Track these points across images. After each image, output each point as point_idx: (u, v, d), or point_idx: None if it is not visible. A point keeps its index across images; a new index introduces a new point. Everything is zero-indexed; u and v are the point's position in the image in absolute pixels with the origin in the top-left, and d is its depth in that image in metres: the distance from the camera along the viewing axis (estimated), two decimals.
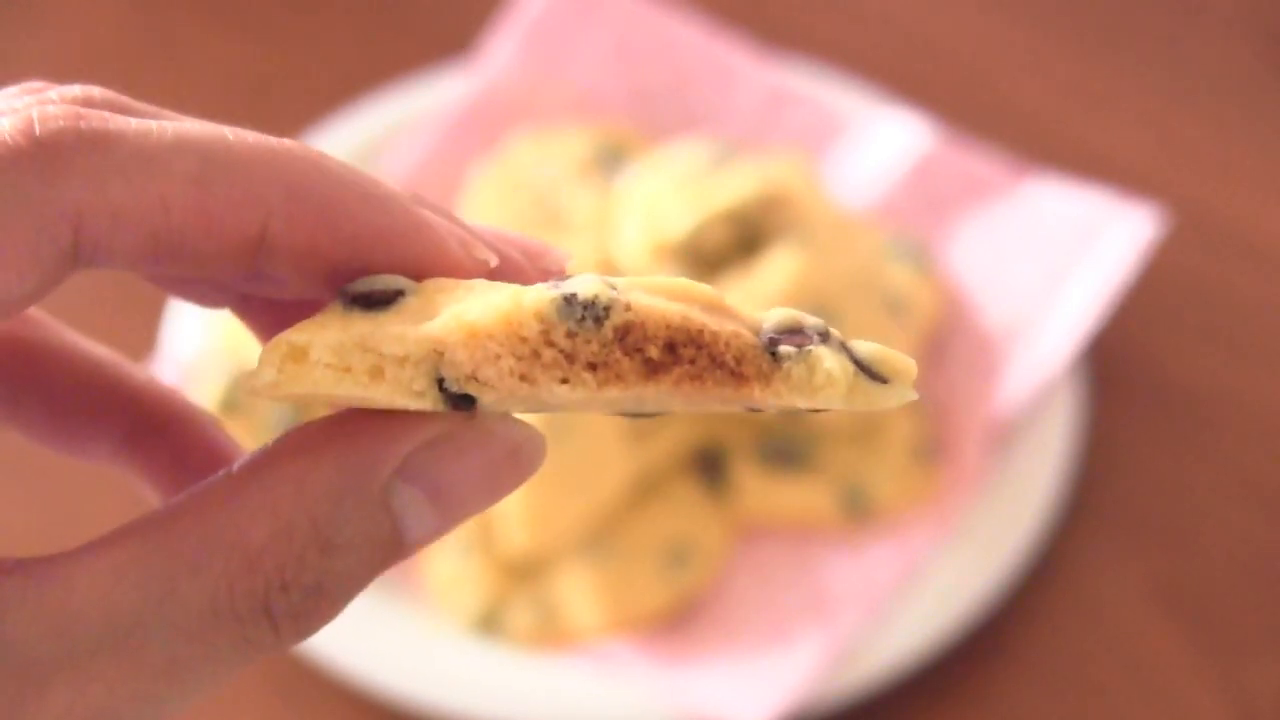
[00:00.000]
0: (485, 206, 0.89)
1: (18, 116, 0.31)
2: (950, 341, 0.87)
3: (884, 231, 0.88)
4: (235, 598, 0.31)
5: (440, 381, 0.32)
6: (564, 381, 0.32)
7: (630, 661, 0.77)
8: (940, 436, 0.83)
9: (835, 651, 0.75)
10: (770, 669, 0.76)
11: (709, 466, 0.83)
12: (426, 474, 0.33)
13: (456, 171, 0.92)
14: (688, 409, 0.34)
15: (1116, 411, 0.87)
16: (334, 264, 0.33)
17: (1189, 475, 0.85)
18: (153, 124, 0.32)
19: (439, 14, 1.07)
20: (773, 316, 0.33)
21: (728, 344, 0.33)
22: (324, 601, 0.32)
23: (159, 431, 0.39)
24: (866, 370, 0.33)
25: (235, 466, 0.33)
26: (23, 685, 0.30)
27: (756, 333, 0.33)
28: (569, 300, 0.32)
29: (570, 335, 0.32)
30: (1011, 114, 1.00)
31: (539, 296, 0.32)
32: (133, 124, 0.32)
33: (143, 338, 0.86)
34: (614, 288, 0.33)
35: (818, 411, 0.33)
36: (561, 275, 0.34)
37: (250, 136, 0.33)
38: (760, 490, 0.82)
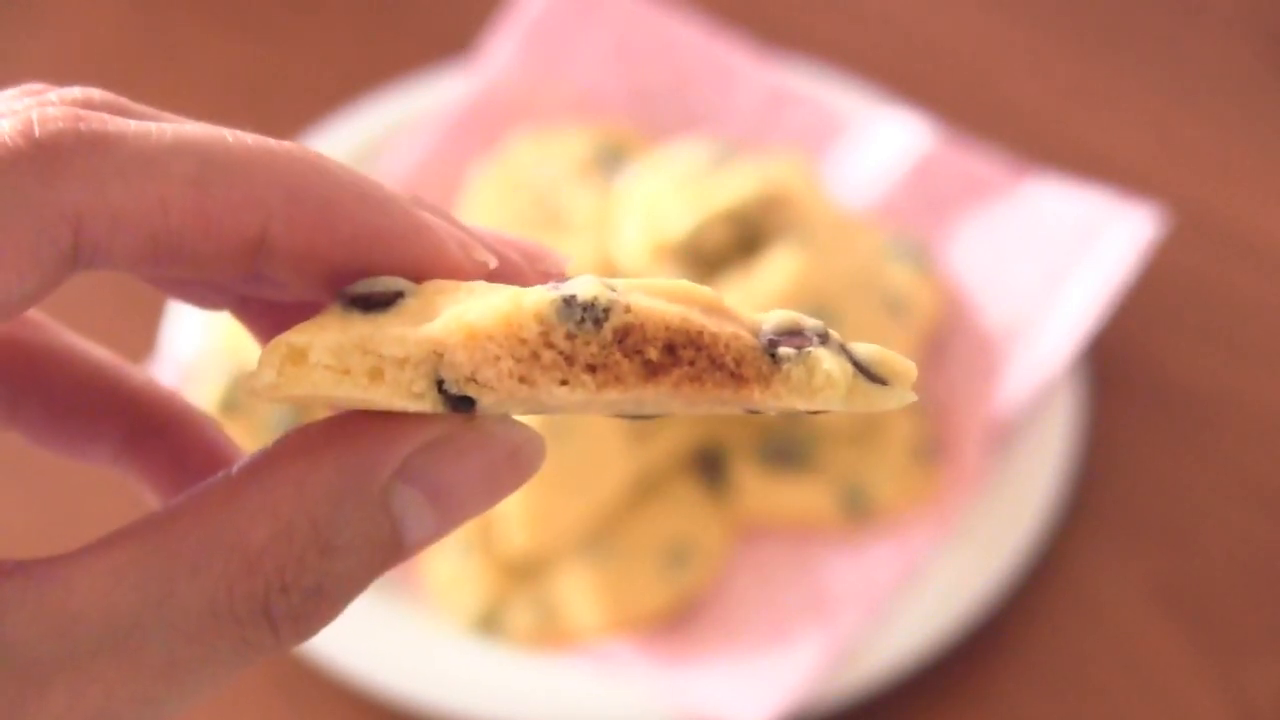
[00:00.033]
0: (485, 206, 0.89)
1: (17, 118, 0.31)
2: (950, 341, 0.87)
3: (884, 231, 0.88)
4: (235, 599, 0.31)
5: (440, 383, 0.32)
6: (563, 383, 0.32)
7: (630, 661, 0.77)
8: (940, 436, 0.83)
9: (835, 651, 0.75)
10: (770, 669, 0.76)
11: (709, 466, 0.83)
12: (426, 476, 0.33)
13: (456, 171, 0.92)
14: (687, 411, 0.34)
15: (1116, 411, 0.87)
16: (333, 266, 0.33)
17: (1189, 475, 0.85)
18: (152, 126, 0.32)
19: (439, 14, 1.07)
20: (772, 318, 0.34)
21: (727, 346, 0.33)
22: (324, 603, 0.32)
23: (158, 433, 0.39)
24: (866, 372, 0.33)
25: (235, 468, 0.33)
26: (22, 686, 0.30)
27: (756, 334, 0.33)
28: (568, 302, 0.32)
29: (570, 337, 0.32)
30: (1011, 114, 1.00)
31: (539, 298, 0.32)
32: (132, 126, 0.32)
33: (142, 339, 0.86)
34: (613, 289, 0.33)
35: (817, 413, 0.33)
36: (561, 277, 0.34)
37: (249, 138, 0.33)
38: (760, 490, 0.82)
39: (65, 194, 0.31)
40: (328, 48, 1.07)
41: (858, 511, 0.81)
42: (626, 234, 0.84)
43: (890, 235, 0.88)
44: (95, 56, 1.07)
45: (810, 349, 0.33)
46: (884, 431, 0.82)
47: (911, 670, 0.76)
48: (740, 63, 0.96)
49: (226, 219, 0.32)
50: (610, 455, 0.79)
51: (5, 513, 0.85)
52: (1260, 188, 0.97)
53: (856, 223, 0.88)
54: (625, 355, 0.32)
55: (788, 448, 0.82)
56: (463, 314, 0.32)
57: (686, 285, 0.34)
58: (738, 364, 0.33)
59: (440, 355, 0.32)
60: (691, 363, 0.33)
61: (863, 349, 0.34)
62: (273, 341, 0.33)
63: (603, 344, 0.32)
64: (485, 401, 0.33)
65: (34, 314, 0.39)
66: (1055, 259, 0.86)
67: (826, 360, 0.33)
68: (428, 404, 0.32)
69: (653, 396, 0.33)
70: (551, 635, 0.78)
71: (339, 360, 0.33)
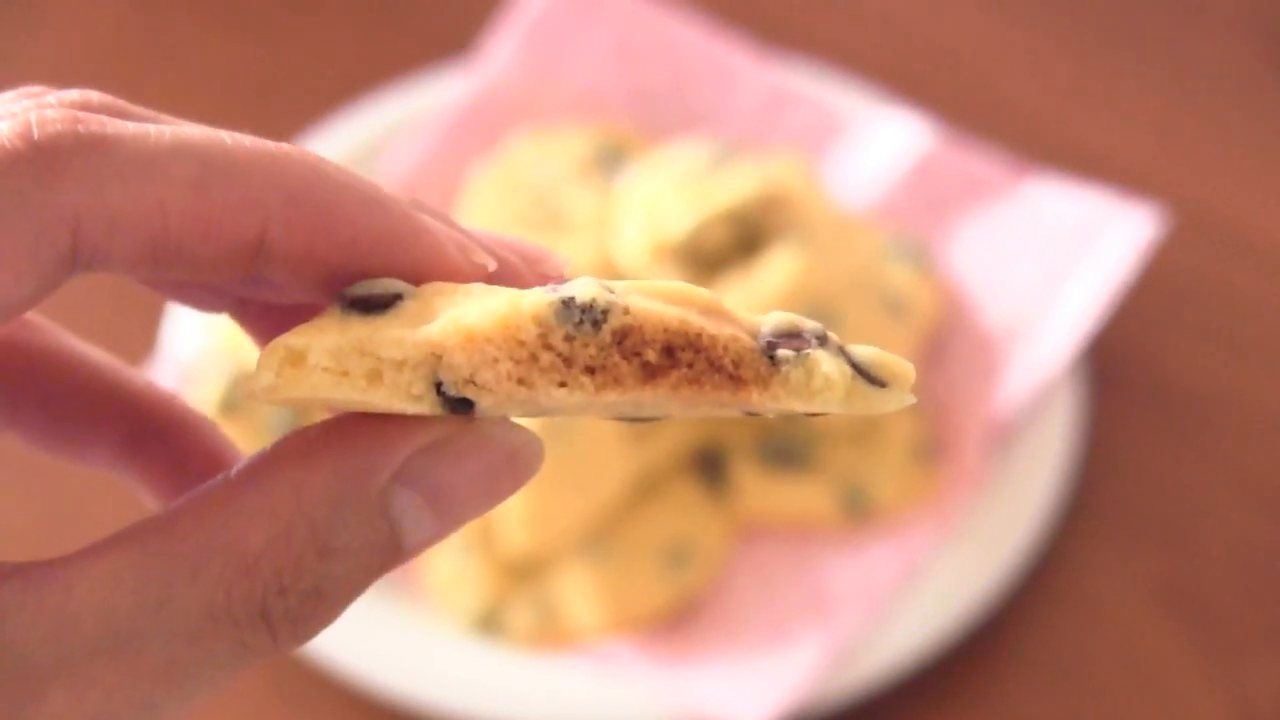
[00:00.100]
0: (485, 207, 0.89)
1: (16, 120, 0.31)
2: (950, 341, 0.87)
3: (884, 231, 0.88)
4: (233, 602, 0.31)
5: (438, 385, 0.32)
6: (562, 385, 0.32)
7: (630, 661, 0.77)
8: (940, 436, 0.83)
9: (835, 651, 0.76)
10: (770, 669, 0.76)
11: (709, 466, 0.83)
12: (424, 478, 0.33)
13: (456, 171, 0.92)
14: (686, 413, 0.34)
15: (1116, 411, 0.87)
16: (332, 268, 0.33)
17: (1189, 475, 0.85)
18: (150, 128, 0.32)
19: (439, 14, 1.07)
20: (770, 320, 0.34)
21: (726, 348, 0.33)
22: (322, 606, 0.32)
23: (157, 436, 0.39)
24: (864, 374, 0.33)
25: (233, 471, 0.33)
26: (21, 689, 0.30)
27: (754, 336, 0.33)
28: (567, 304, 0.32)
29: (568, 339, 0.32)
30: (1011, 114, 1.00)
31: (537, 300, 0.32)
32: (131, 128, 0.32)
33: (142, 340, 0.86)
34: (612, 291, 0.33)
35: (816, 415, 0.33)
36: (560, 280, 0.34)
37: (248, 141, 0.33)
38: (760, 490, 0.82)
39: (64, 196, 0.31)
40: (328, 48, 1.07)
41: (858, 511, 0.81)
42: (626, 234, 0.84)
43: (890, 235, 0.88)
44: (95, 56, 1.07)
45: (809, 351, 0.33)
46: (884, 431, 0.82)
47: (911, 670, 0.76)
48: (740, 63, 0.96)
49: (225, 221, 0.32)
50: (610, 455, 0.79)
51: (4, 514, 0.85)
52: (1260, 188, 0.97)
53: (856, 223, 0.87)
54: (624, 357, 0.32)
55: (788, 448, 0.82)
56: (461, 316, 0.32)
57: (685, 287, 0.34)
58: (736, 366, 0.33)
59: (439, 357, 0.32)
60: (690, 365, 0.33)
61: (861, 351, 0.34)
62: (271, 344, 0.33)
63: (601, 346, 0.32)
64: (484, 404, 0.32)
65: (33, 316, 0.39)
66: (1055, 259, 0.86)
67: (825, 362, 0.33)
68: (426, 406, 0.32)
69: (651, 398, 0.33)
70: (551, 635, 0.78)
71: (337, 362, 0.32)
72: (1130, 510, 0.84)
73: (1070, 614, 0.80)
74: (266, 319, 0.38)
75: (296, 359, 0.33)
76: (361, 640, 0.76)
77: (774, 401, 0.33)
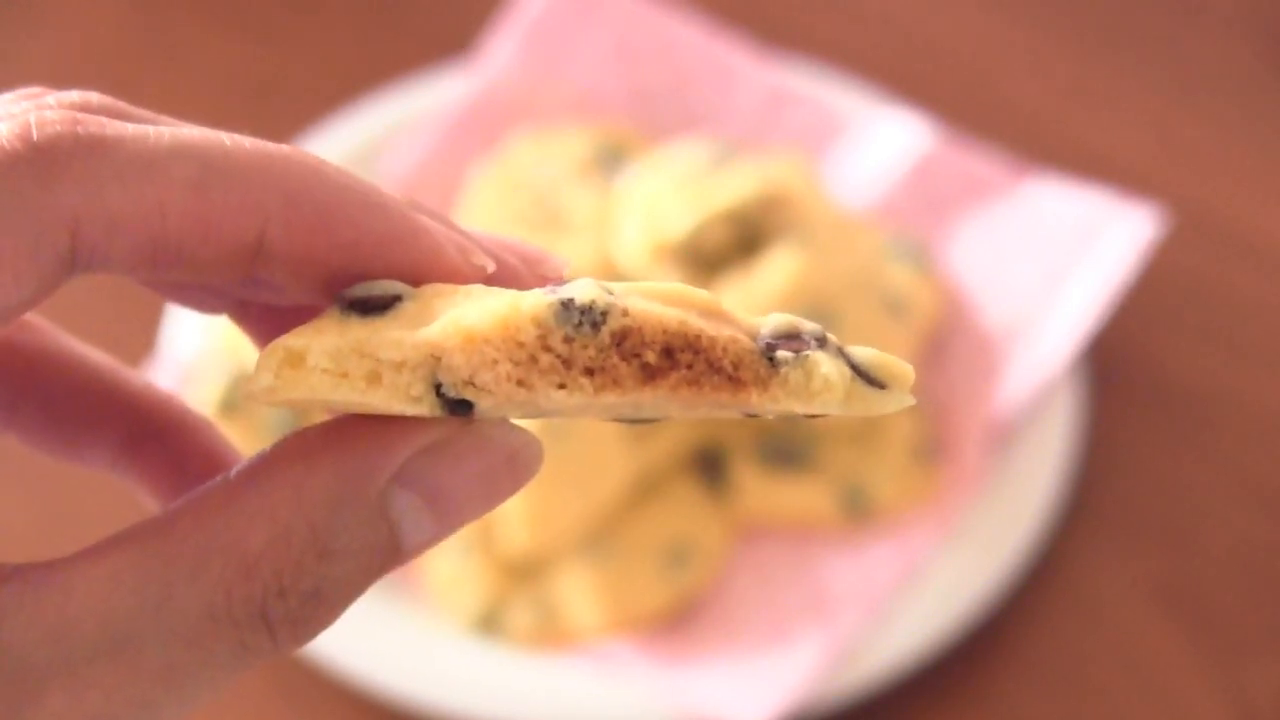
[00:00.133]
0: (485, 207, 0.89)
1: (15, 122, 0.31)
2: (950, 341, 0.87)
3: (884, 231, 0.88)
4: (232, 604, 0.31)
5: (438, 387, 0.32)
6: (561, 387, 0.32)
7: (630, 661, 0.77)
8: (940, 436, 0.83)
9: (835, 651, 0.76)
10: (770, 669, 0.76)
11: (709, 466, 0.83)
12: (424, 480, 0.33)
13: (456, 172, 0.92)
14: (685, 414, 0.34)
15: (1116, 411, 0.87)
16: (332, 270, 0.33)
17: (1189, 475, 0.85)
18: (150, 129, 0.32)
19: (439, 14, 1.07)
20: (770, 322, 0.33)
21: (725, 349, 0.33)
22: (321, 607, 0.32)
23: (157, 437, 0.39)
24: (864, 375, 0.33)
25: (233, 472, 0.33)
26: (20, 691, 0.30)
27: (754, 338, 0.33)
28: (566, 305, 0.32)
29: (567, 340, 0.32)
30: (1011, 114, 1.00)
31: (536, 302, 0.32)
32: (130, 129, 0.32)
33: (142, 341, 0.86)
34: (611, 293, 0.33)
35: (815, 417, 0.33)
36: (559, 281, 0.34)
37: (248, 142, 0.33)
38: (760, 490, 0.82)
39: (63, 198, 0.31)
40: (328, 48, 1.07)
41: (858, 511, 0.81)
42: (626, 234, 0.84)
43: (890, 235, 0.88)
44: (95, 56, 1.07)
45: (808, 352, 0.33)
46: (884, 431, 0.82)
47: (911, 670, 0.76)
48: (740, 63, 0.96)
49: (225, 223, 0.32)
50: (610, 455, 0.79)
51: (4, 514, 0.85)
52: (1260, 188, 0.97)
53: (856, 223, 0.87)
54: (623, 359, 0.32)
55: (788, 448, 0.82)
56: (460, 317, 0.32)
57: (684, 288, 0.34)
58: (735, 368, 0.33)
59: (438, 359, 0.32)
60: (689, 366, 0.33)
61: (860, 352, 0.34)
62: (270, 345, 0.33)
63: (600, 347, 0.32)
64: (483, 405, 0.32)
65: (32, 317, 0.39)
66: (1055, 259, 0.86)
67: (824, 364, 0.33)
68: (425, 407, 0.32)
69: (650, 400, 0.33)
70: (551, 635, 0.78)
71: (337, 364, 0.32)
72: (1130, 510, 0.84)
73: (1070, 614, 0.80)
74: (266, 320, 0.38)
75: (296, 360, 0.33)
76: (361, 640, 0.76)
77: (773, 403, 0.33)
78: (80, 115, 0.32)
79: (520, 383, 0.32)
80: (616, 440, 0.79)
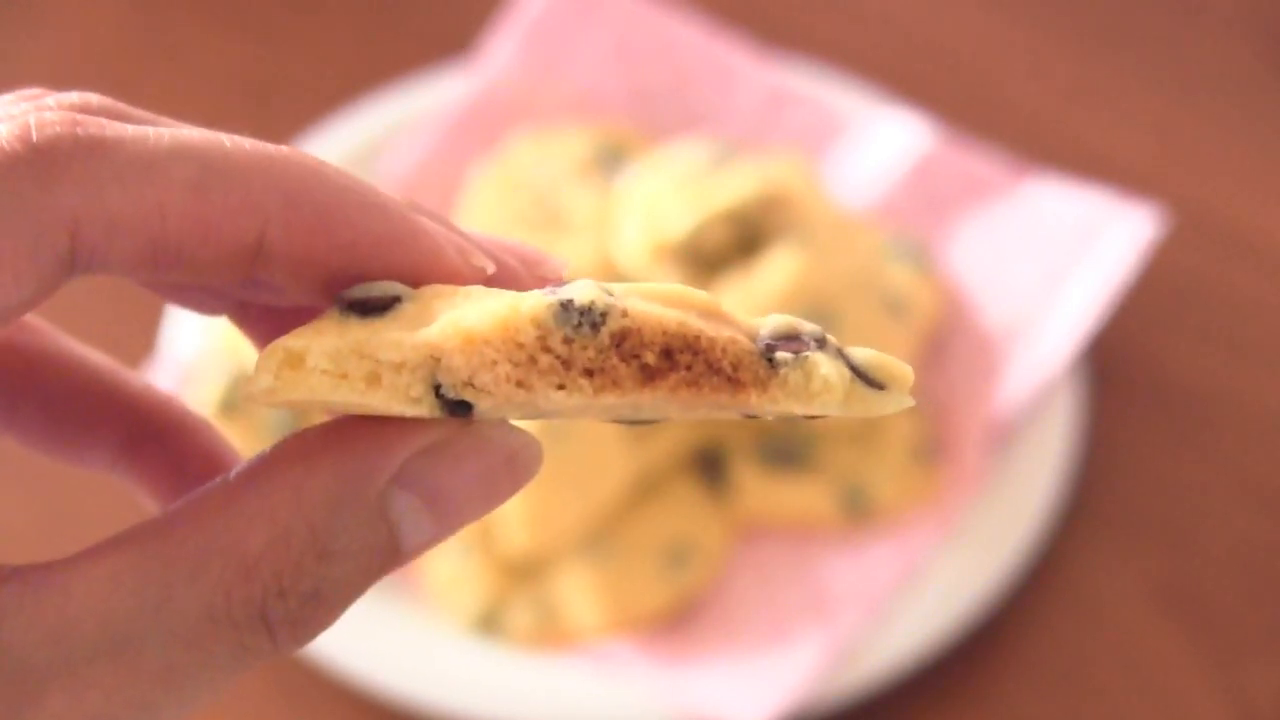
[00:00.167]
0: (485, 206, 0.89)
1: (15, 123, 0.31)
2: (950, 341, 0.87)
3: (884, 231, 0.88)
4: (232, 605, 0.31)
5: (437, 388, 0.32)
6: (561, 388, 0.32)
7: (630, 661, 0.77)
8: (940, 436, 0.83)
9: (835, 651, 0.76)
10: (770, 669, 0.76)
11: (709, 466, 0.83)
12: (423, 481, 0.33)
13: (456, 172, 0.92)
14: (684, 415, 0.34)
15: (1116, 411, 0.87)
16: (331, 271, 0.33)
17: (1189, 475, 0.85)
18: (149, 130, 0.32)
19: (439, 14, 1.07)
20: (769, 322, 0.33)
21: (724, 350, 0.33)
22: (321, 608, 0.32)
23: (156, 438, 0.39)
24: (863, 376, 0.33)
25: (232, 473, 0.33)
26: (19, 692, 0.30)
27: (753, 339, 0.33)
28: (565, 306, 0.32)
29: (567, 341, 0.32)
30: (1011, 114, 1.00)
31: (536, 303, 0.32)
32: (130, 130, 0.32)
33: (141, 341, 0.86)
34: (610, 294, 0.33)
35: (814, 418, 0.33)
36: (559, 282, 0.34)
37: (247, 143, 0.33)
38: (760, 490, 0.82)
39: (62, 199, 0.31)
40: (328, 48, 1.07)
41: (858, 511, 0.81)
42: (626, 234, 0.84)
43: (890, 235, 0.88)
44: (95, 56, 1.07)
45: (807, 354, 0.33)
46: (884, 432, 0.82)
47: (911, 670, 0.76)
48: (740, 63, 0.96)
49: (224, 224, 0.32)
50: (610, 455, 0.79)
51: (4, 514, 0.85)
52: (1260, 188, 0.97)
53: (856, 223, 0.87)
54: (622, 360, 0.32)
55: (788, 448, 0.82)
56: (460, 319, 0.32)
57: (683, 289, 0.34)
58: (735, 369, 0.33)
59: (437, 360, 0.32)
60: (689, 367, 0.33)
61: (860, 353, 0.34)
62: (270, 346, 0.33)
63: (600, 348, 0.32)
64: (482, 406, 0.33)
65: (31, 319, 0.39)
66: (1055, 259, 0.86)
67: (824, 365, 0.33)
68: (425, 409, 0.32)
69: (650, 401, 0.33)
70: (551, 635, 0.78)
71: (336, 365, 0.32)
72: (1130, 510, 0.84)
73: (1070, 614, 0.80)
74: (266, 321, 0.38)
75: (295, 361, 0.33)
76: (361, 640, 0.76)
77: (772, 404, 0.33)
78: (80, 116, 0.32)
79: (519, 384, 0.32)
80: (616, 440, 0.79)
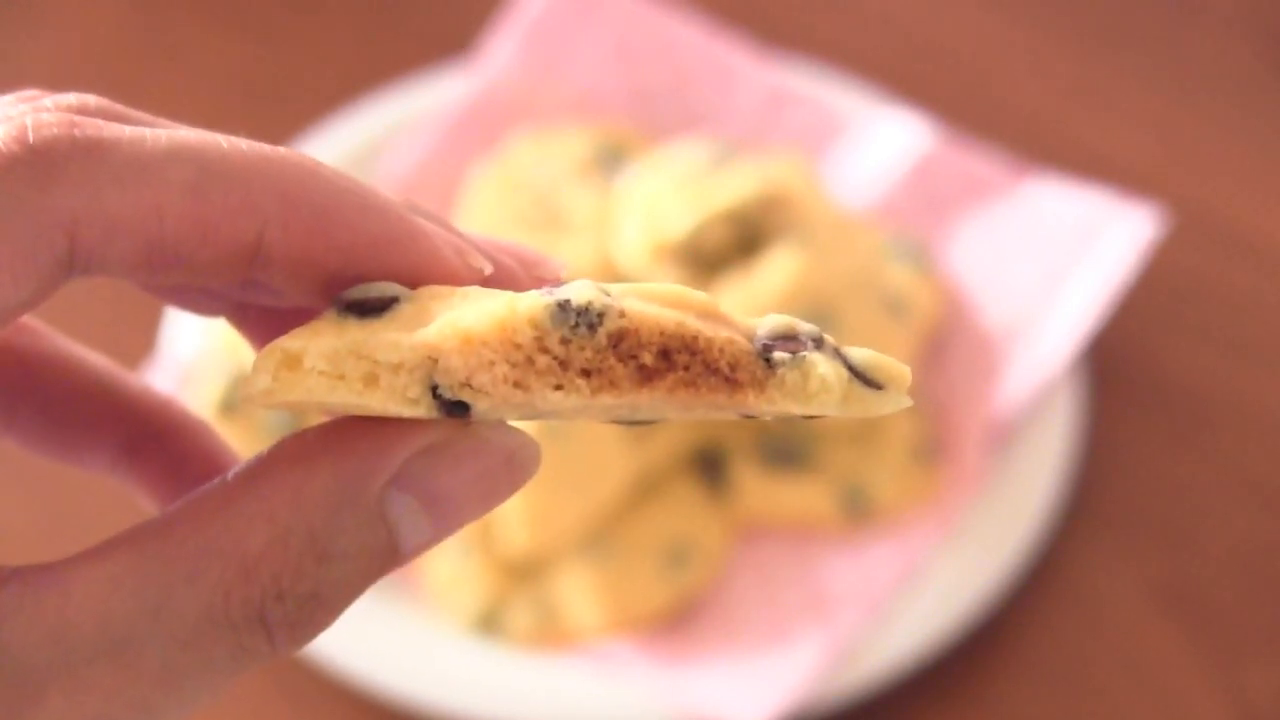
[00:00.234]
0: (485, 206, 0.89)
1: (12, 124, 0.31)
2: (950, 341, 0.87)
3: (884, 231, 0.88)
4: (231, 606, 0.31)
5: (435, 389, 0.32)
6: (558, 388, 0.32)
7: (630, 661, 0.77)
8: (940, 436, 0.83)
9: (835, 651, 0.76)
10: (770, 669, 0.76)
11: (709, 466, 0.83)
12: (422, 482, 0.33)
13: (456, 172, 0.92)
14: (682, 416, 0.34)
15: (1116, 411, 0.87)
16: (329, 272, 0.33)
17: (1189, 475, 0.85)
18: (147, 132, 0.32)
19: (439, 14, 1.07)
20: (767, 323, 0.33)
21: (722, 350, 0.33)
22: (320, 610, 0.32)
23: (155, 440, 0.39)
24: (861, 376, 0.33)
25: (231, 474, 0.33)
26: (19, 693, 0.30)
27: (751, 339, 0.33)
28: (563, 307, 0.32)
29: (564, 342, 0.32)
30: (1011, 114, 1.00)
31: (533, 303, 0.32)
32: (127, 132, 0.32)
33: (141, 342, 0.86)
34: (608, 294, 0.33)
35: (812, 418, 0.33)
36: (557, 283, 0.34)
37: (245, 144, 0.33)
38: (760, 490, 0.82)
39: (61, 200, 0.31)
40: (328, 48, 1.07)
41: (858, 511, 0.81)
42: (626, 234, 0.84)
43: (890, 235, 0.88)
44: (95, 57, 1.07)
45: (805, 354, 0.33)
46: (884, 432, 0.82)
47: (911, 670, 0.76)
48: (740, 63, 0.96)
49: (222, 225, 0.32)
50: (610, 455, 0.79)
51: (4, 515, 0.85)
52: (1260, 188, 0.97)
53: (856, 223, 0.87)
54: (620, 360, 0.32)
55: (787, 448, 0.82)
56: (457, 319, 0.32)
57: (681, 290, 0.34)
58: (732, 369, 0.33)
59: (435, 361, 0.32)
60: (686, 368, 0.33)
61: (858, 353, 0.34)
62: (268, 347, 0.33)
63: (597, 349, 0.32)
64: (480, 407, 0.33)
65: (29, 321, 0.39)
66: (1055, 259, 0.86)
67: (821, 365, 0.33)
68: (423, 409, 0.32)
69: (647, 402, 0.33)
70: (551, 635, 0.78)
71: (334, 366, 0.32)
72: (1130, 510, 0.84)
73: (1070, 614, 0.80)
74: (264, 323, 0.38)
75: (293, 362, 0.33)
76: (361, 640, 0.76)
77: (770, 404, 0.33)
78: (77, 118, 0.32)
79: (517, 384, 0.32)
80: (616, 440, 0.79)
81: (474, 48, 0.97)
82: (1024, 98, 1.02)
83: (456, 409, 0.32)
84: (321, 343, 0.33)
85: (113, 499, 0.44)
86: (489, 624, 0.78)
